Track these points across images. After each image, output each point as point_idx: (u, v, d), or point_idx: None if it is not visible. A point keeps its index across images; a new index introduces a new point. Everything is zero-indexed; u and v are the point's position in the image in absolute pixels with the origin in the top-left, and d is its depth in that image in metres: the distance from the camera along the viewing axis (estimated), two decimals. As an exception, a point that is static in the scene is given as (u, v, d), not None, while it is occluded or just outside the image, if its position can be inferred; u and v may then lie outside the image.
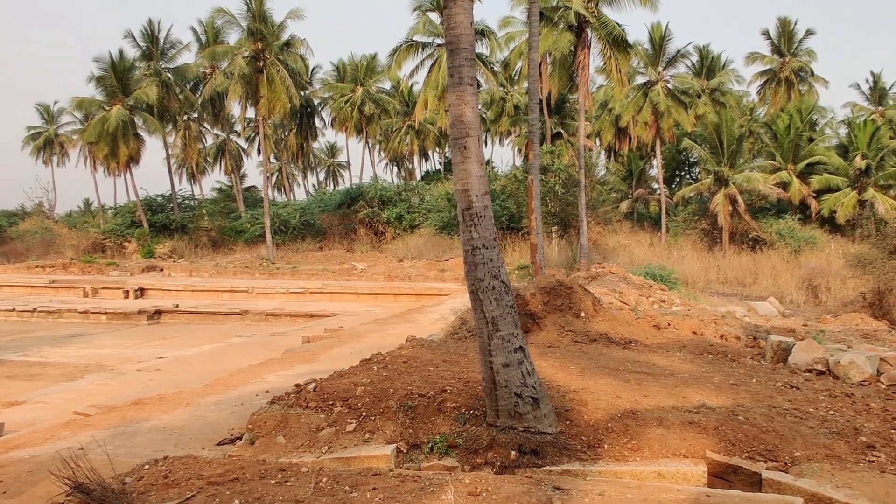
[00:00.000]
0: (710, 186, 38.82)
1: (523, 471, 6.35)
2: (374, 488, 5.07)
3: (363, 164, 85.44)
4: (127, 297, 30.44)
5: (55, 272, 35.14)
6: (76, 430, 9.19)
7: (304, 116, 54.27)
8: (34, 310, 27.40)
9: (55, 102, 64.63)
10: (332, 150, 77.02)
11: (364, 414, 7.49)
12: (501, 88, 52.33)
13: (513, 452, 6.69)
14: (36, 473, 7.28)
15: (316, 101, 56.21)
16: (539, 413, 7.14)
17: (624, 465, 6.61)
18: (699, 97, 45.93)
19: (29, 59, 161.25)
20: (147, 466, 5.64)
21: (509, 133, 56.80)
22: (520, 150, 53.49)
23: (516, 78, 51.62)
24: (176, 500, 4.68)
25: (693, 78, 47.06)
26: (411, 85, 56.71)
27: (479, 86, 45.01)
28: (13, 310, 27.50)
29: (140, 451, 7.76)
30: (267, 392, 10.90)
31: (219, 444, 7.99)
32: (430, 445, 6.93)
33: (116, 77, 41.68)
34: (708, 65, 47.85)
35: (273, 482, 5.18)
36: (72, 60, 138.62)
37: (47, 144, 62.60)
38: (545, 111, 42.02)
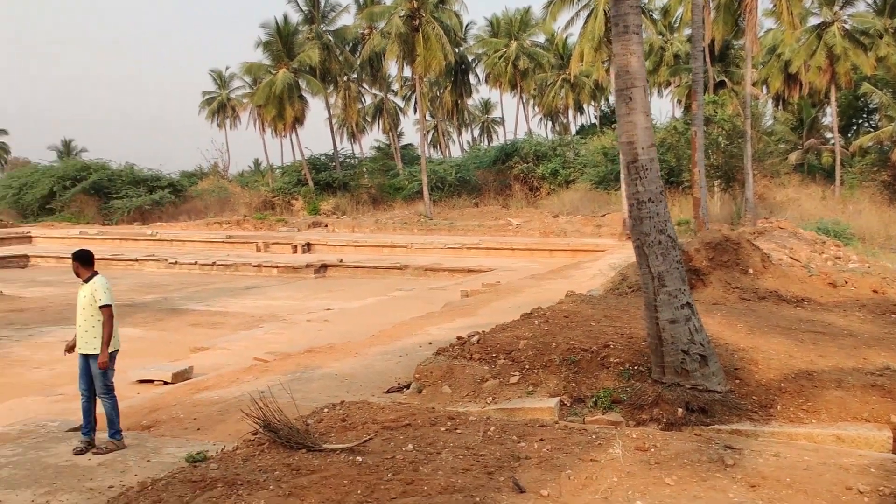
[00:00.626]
0: (893, 135, 35.70)
1: (690, 428, 6.23)
2: (541, 439, 5.14)
3: (517, 120, 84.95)
4: (295, 251, 32.08)
5: (231, 228, 37.53)
6: (257, 375, 9.88)
7: (458, 73, 54.50)
8: (213, 263, 29.43)
9: (227, 68, 68.38)
10: (486, 107, 77.04)
11: (527, 367, 7.58)
12: (660, 37, 50.23)
13: (679, 409, 6.57)
14: (225, 413, 7.91)
15: (470, 58, 56.29)
16: (707, 371, 6.95)
17: (799, 427, 6.34)
18: (881, 37, 42.09)
19: (203, 27, 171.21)
20: (326, 410, 5.99)
21: (668, 84, 54.57)
22: (679, 101, 51.31)
23: (676, 25, 49.35)
24: (355, 442, 4.95)
25: (874, 17, 43.13)
26: (566, 37, 55.54)
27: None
28: (195, 263, 29.67)
29: (315, 395, 8.23)
30: (429, 344, 11.23)
31: (387, 392, 8.34)
32: (593, 400, 6.92)
33: (282, 41, 43.50)
34: (892, 1, 43.69)
35: (443, 429, 5.36)
36: (241, 27, 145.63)
37: (221, 108, 66.36)
38: (708, 59, 40.01)
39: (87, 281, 6.68)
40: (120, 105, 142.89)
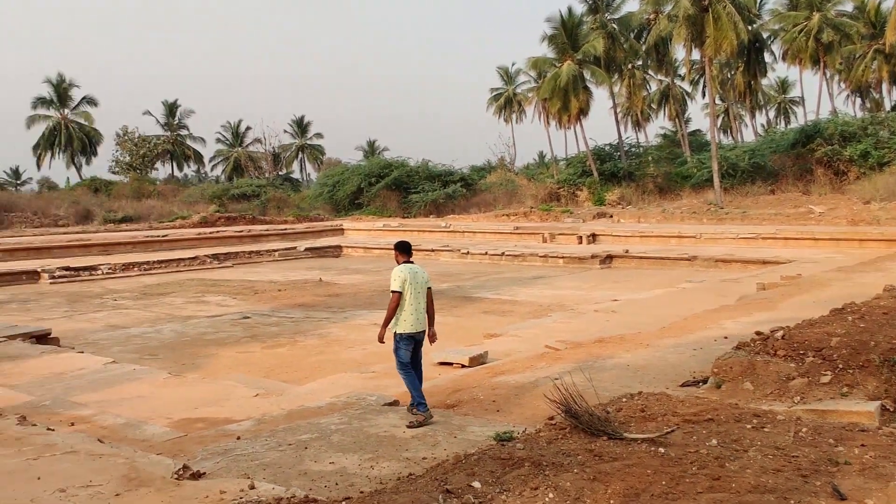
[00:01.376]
0: None
1: None
2: (862, 444, 4.75)
3: (819, 99, 77.70)
4: (580, 242, 32.26)
5: (518, 220, 38.70)
6: (550, 362, 10.15)
7: (751, 52, 51.19)
8: (502, 254, 30.55)
9: (513, 64, 70.37)
10: (783, 86, 71.54)
11: (840, 366, 7.00)
12: None
13: None
14: (521, 396, 8.25)
15: (765, 35, 52.60)
16: None
17: None
18: None
19: (490, 27, 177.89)
20: (624, 399, 6.03)
21: None
22: None
23: None
24: (656, 433, 4.93)
25: None
26: (878, 3, 49.90)
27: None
28: (485, 253, 31.01)
29: (607, 385, 8.28)
30: (725, 338, 10.77)
31: (682, 385, 8.14)
32: (922, 406, 6.22)
33: (566, 34, 43.90)
34: None
35: (749, 426, 5.16)
36: (527, 23, 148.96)
37: (507, 103, 68.61)
38: None
39: None
40: (416, 105, 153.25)
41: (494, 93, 69.97)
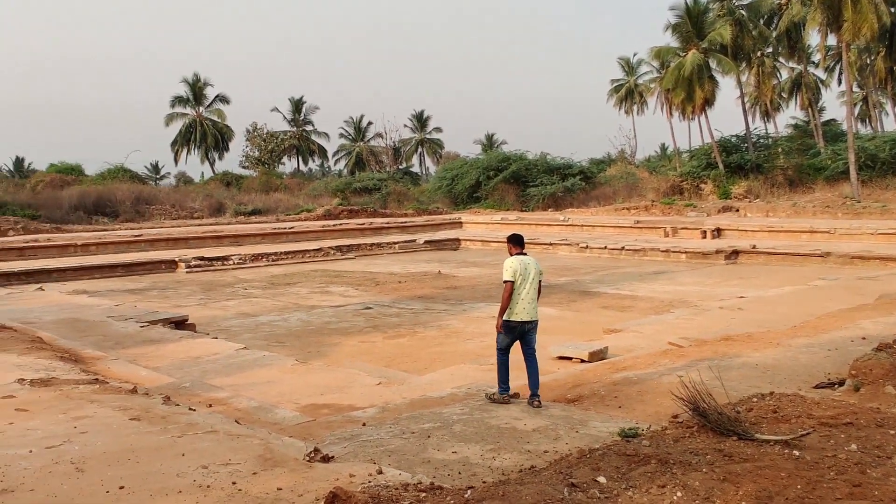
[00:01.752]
0: None
1: None
2: None
3: (971, 84, 72.16)
4: (704, 237, 31.27)
5: (638, 213, 37.89)
6: (673, 359, 9.92)
7: (893, 36, 48.01)
8: (622, 248, 30.01)
9: (634, 54, 68.96)
10: (930, 71, 66.76)
11: None
12: None
13: None
14: (644, 393, 8.11)
15: (910, 17, 49.24)
16: None
17: None
18: None
19: (611, 16, 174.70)
20: (755, 399, 5.84)
21: None
22: None
23: None
24: (790, 436, 4.75)
25: None
26: None
27: None
28: (605, 248, 30.55)
29: (735, 384, 8.01)
30: (863, 339, 10.23)
31: (816, 387, 7.79)
32: None
33: (691, 22, 42.50)
34: None
35: (893, 432, 4.89)
36: (649, 12, 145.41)
37: (628, 95, 67.26)
38: None
39: None
40: (535, 98, 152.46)
41: (615, 84, 68.75)
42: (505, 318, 7.56)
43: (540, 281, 7.76)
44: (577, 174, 45.77)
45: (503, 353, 7.65)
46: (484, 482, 4.96)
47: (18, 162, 77.12)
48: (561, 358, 11.04)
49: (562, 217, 38.23)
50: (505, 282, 7.50)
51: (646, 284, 22.33)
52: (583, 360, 10.76)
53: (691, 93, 41.12)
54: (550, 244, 32.90)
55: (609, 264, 27.91)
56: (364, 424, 7.14)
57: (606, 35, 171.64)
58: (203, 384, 9.20)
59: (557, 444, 6.22)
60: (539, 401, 7.51)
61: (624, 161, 57.72)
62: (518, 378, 7.99)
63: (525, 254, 7.82)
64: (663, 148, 79.85)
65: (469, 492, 4.23)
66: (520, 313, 7.49)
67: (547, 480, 4.33)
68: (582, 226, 36.57)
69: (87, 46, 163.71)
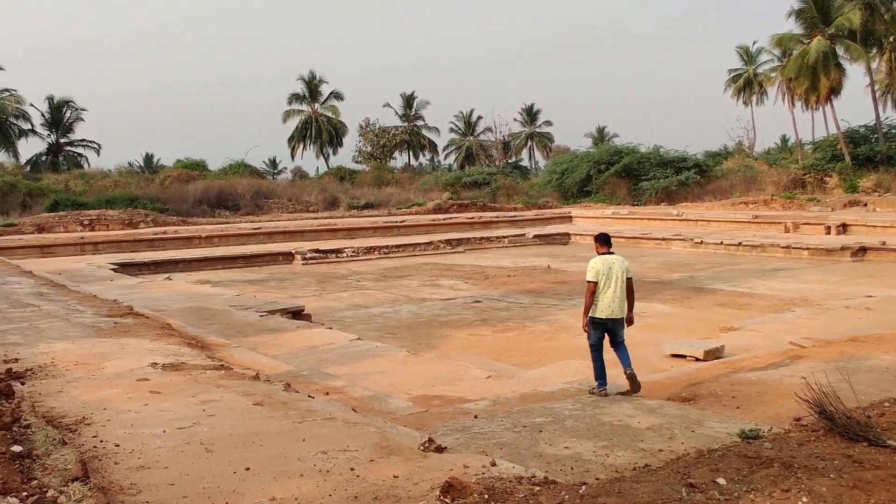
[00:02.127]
0: None
1: None
2: None
3: None
4: (828, 233, 29.81)
5: (756, 208, 36.48)
6: (794, 360, 9.54)
7: None
8: (739, 244, 28.99)
9: (754, 43, 66.05)
10: None
11: None
12: None
13: None
14: (763, 394, 7.84)
15: None
16: None
17: None
18: None
19: (728, 3, 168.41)
20: (886, 404, 5.55)
21: None
22: None
23: None
24: (930, 444, 4.50)
25: None
26: None
27: None
28: (720, 243, 29.59)
29: (864, 387, 7.62)
30: None
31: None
32: None
33: (816, 7, 40.44)
34: None
35: None
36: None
37: (746, 85, 64.69)
38: None
39: None
40: (648, 89, 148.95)
41: (733, 74, 66.26)
42: (590, 315, 7.86)
43: (630, 279, 7.86)
44: (692, 167, 44.44)
45: (595, 349, 7.95)
46: (597, 479, 4.92)
47: (148, 158, 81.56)
48: (674, 356, 10.78)
49: (675, 211, 37.25)
50: (588, 282, 7.82)
51: (765, 281, 21.52)
52: (697, 359, 10.48)
53: (815, 81, 39.18)
54: (663, 239, 32.14)
55: (725, 260, 27.04)
56: (475, 417, 7.21)
57: (724, 23, 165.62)
58: (320, 372, 9.50)
59: (672, 443, 6.09)
60: (631, 370, 7.86)
61: (741, 154, 55.55)
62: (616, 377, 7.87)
63: (612, 252, 7.99)
64: (784, 140, 76.48)
65: (583, 487, 4.21)
66: (603, 311, 7.73)
67: (664, 479, 4.25)
68: (696, 220, 35.53)
69: (210, 48, 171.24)
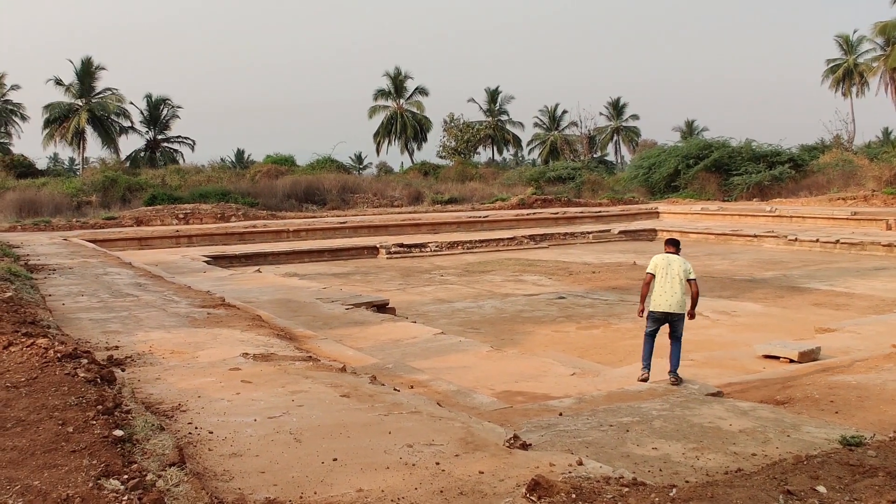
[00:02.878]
0: None
1: None
2: None
3: None
4: (934, 231, 28.33)
5: (856, 204, 34.94)
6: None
7: None
8: (837, 241, 27.83)
9: (854, 31, 63.36)
10: None
11: None
12: None
13: None
14: (864, 399, 7.49)
15: None
16: None
17: None
18: None
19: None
20: None
21: None
22: None
23: None
24: None
25: None
26: None
27: None
28: (817, 241, 28.47)
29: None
30: None
31: None
32: None
33: (924, -8, 38.53)
34: None
35: None
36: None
37: (846, 75, 62.11)
38: None
39: None
40: (739, 82, 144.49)
41: (831, 64, 63.69)
42: (649, 308, 8.46)
43: (694, 280, 8.36)
44: (786, 162, 42.85)
45: (647, 336, 8.53)
46: (687, 482, 4.79)
47: (239, 154, 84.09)
48: (767, 357, 10.41)
49: (768, 207, 36.01)
50: (647, 273, 8.51)
51: (864, 281, 20.61)
52: (791, 360, 10.09)
53: (923, 71, 37.26)
54: (755, 236, 31.13)
55: (821, 258, 26.01)
56: (561, 414, 7.12)
57: (821, 11, 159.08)
58: (404, 366, 9.56)
59: (767, 447, 5.88)
60: (675, 377, 8.21)
61: (840, 147, 53.28)
62: (722, 376, 7.64)
63: (677, 253, 8.57)
64: (886, 133, 73.07)
65: (674, 490, 4.10)
66: (660, 304, 8.25)
67: (759, 485, 4.10)
68: (791, 217, 34.27)
69: (299, 46, 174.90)
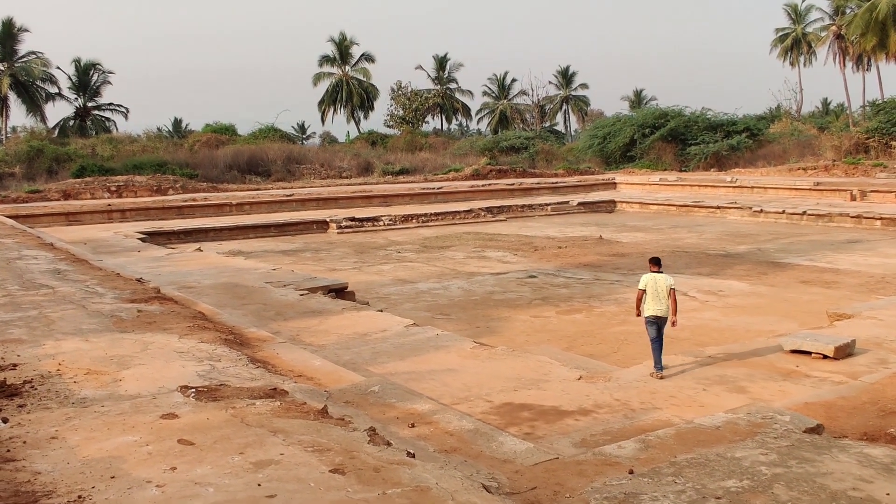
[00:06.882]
0: None
1: None
2: None
3: None
4: (899, 201, 27.74)
5: (817, 174, 34.31)
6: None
7: None
8: (803, 213, 27.04)
9: (803, 0, 62.91)
10: None
11: None
12: None
13: None
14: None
15: None
16: None
17: None
18: None
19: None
20: None
21: None
22: None
23: None
24: None
25: None
26: None
27: None
28: (783, 212, 27.63)
29: None
30: None
31: None
32: None
33: (881, -41, 37.83)
34: None
35: None
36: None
37: (794, 44, 61.76)
38: None
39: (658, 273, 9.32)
40: (687, 51, 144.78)
41: (780, 33, 63.25)
42: (644, 315, 9.27)
43: (673, 289, 9.16)
44: (742, 131, 42.06)
45: (652, 342, 9.05)
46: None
47: (177, 123, 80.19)
48: (795, 352, 9.06)
49: (728, 178, 35.16)
50: (639, 289, 9.33)
51: (843, 255, 19.72)
52: (825, 356, 8.78)
53: (885, 38, 36.67)
54: (718, 207, 30.22)
55: (790, 230, 25.15)
56: (631, 472, 5.40)
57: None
58: (394, 387, 7.57)
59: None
60: (659, 375, 8.70)
61: (789, 117, 52.87)
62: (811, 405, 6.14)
63: (660, 272, 9.31)
64: (825, 103, 73.35)
65: None
66: (652, 311, 9.13)
67: None
68: (752, 187, 33.49)
69: (239, 8, 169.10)
